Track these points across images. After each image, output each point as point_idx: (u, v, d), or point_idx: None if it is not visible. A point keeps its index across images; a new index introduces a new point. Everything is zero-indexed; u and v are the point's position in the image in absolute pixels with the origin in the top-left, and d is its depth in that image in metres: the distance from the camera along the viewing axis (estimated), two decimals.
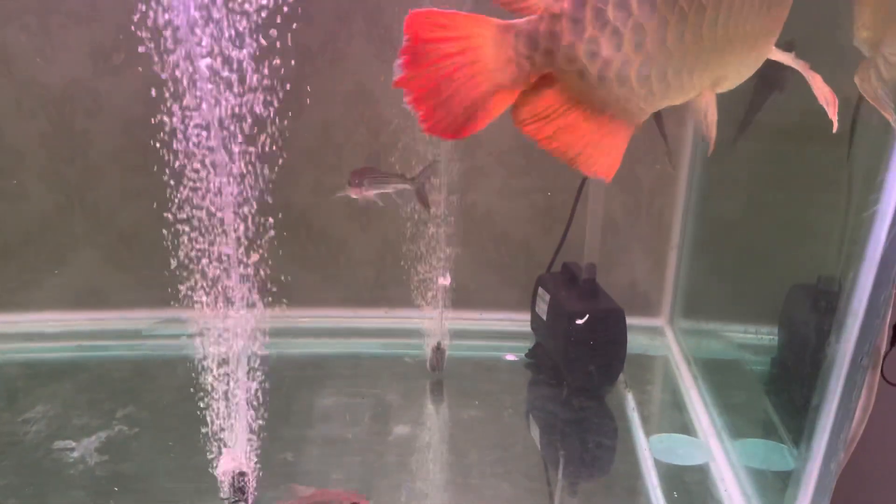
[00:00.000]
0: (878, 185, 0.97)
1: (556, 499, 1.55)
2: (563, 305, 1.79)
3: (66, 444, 1.60)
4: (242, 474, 1.41)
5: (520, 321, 2.02)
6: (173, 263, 1.27)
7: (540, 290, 1.91)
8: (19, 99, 1.91)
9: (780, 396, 1.68)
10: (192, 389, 1.34)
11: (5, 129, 1.94)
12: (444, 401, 1.85)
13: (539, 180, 2.02)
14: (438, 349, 1.87)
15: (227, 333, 1.32)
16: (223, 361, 1.33)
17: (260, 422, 1.40)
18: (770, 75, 1.59)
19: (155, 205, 1.23)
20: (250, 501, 1.42)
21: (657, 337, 2.04)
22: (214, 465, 1.40)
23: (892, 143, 0.95)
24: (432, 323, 1.84)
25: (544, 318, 1.87)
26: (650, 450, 1.60)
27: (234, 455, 1.41)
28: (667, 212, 2.02)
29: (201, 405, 1.36)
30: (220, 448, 1.39)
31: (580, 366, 1.78)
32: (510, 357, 1.97)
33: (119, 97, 1.90)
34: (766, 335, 1.81)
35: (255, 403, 1.39)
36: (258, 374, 1.37)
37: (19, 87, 1.91)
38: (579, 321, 1.73)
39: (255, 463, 1.41)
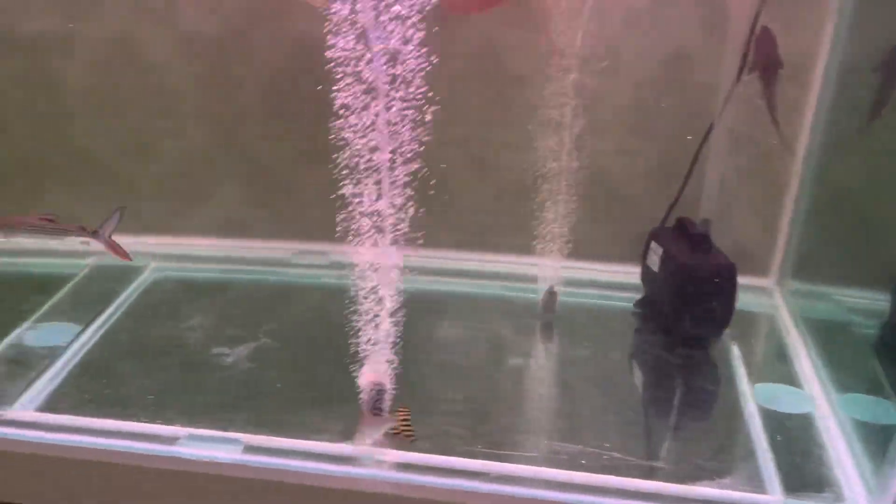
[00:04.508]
0: None
1: (656, 433, 1.64)
2: (676, 258, 1.87)
3: (221, 350, 1.83)
4: (381, 389, 1.57)
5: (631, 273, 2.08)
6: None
7: (653, 243, 1.98)
8: (179, 46, 2.12)
9: (889, 358, 1.71)
10: (330, 313, 1.48)
11: (168, 74, 2.16)
12: (554, 340, 1.98)
13: (655, 140, 2.08)
14: (551, 292, 1.99)
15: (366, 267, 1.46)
16: (360, 291, 1.48)
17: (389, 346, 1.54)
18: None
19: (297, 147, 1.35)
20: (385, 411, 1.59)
21: (765, 296, 2.08)
22: (353, 378, 1.56)
23: None
24: (548, 269, 1.96)
25: (655, 270, 1.94)
26: (753, 396, 1.67)
27: (373, 370, 1.57)
28: (783, 175, 2.04)
29: (340, 327, 1.48)
30: (356, 365, 1.55)
31: (688, 316, 1.85)
32: None
33: None
34: (879, 300, 1.83)
35: (385, 330, 1.53)
36: (391, 304, 1.50)
37: (182, 37, 2.11)
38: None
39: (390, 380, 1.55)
